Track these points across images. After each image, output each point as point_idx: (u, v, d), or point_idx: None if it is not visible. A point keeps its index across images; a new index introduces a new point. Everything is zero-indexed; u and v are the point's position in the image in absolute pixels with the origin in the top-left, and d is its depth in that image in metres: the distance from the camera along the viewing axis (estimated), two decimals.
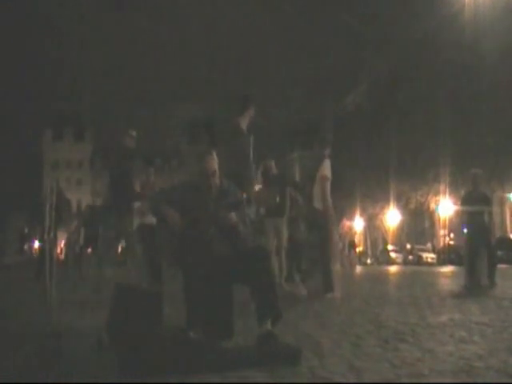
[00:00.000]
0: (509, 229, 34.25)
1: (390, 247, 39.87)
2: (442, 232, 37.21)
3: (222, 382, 2.35)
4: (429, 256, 32.18)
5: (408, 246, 38.81)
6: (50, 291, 5.22)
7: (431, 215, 38.76)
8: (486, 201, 7.78)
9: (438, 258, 31.39)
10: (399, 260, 34.82)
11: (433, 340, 3.16)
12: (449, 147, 29.45)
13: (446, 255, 29.83)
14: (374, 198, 39.65)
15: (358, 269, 21.29)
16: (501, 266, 11.00)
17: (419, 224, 41.67)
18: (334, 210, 6.25)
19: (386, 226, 43.27)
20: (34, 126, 77.78)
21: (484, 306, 4.84)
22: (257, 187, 6.95)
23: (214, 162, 3.23)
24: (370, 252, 44.21)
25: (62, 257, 19.79)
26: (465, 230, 7.86)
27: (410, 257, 33.86)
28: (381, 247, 43.91)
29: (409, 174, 33.96)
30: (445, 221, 35.80)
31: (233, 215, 3.11)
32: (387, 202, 39.12)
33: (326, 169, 6.08)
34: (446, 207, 34.09)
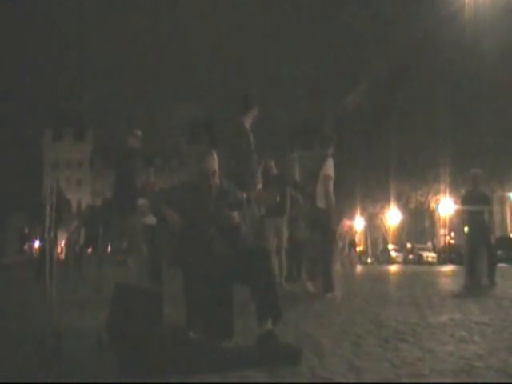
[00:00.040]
0: (509, 228, 34.24)
1: (390, 246, 39.86)
2: (442, 231, 37.21)
3: (222, 382, 2.35)
4: (429, 255, 32.17)
5: (408, 246, 38.80)
6: (50, 291, 5.22)
7: (431, 214, 38.76)
8: (486, 200, 7.78)
9: (439, 257, 31.39)
10: (399, 259, 34.82)
11: (433, 340, 3.16)
12: (449, 147, 29.45)
13: (447, 254, 29.83)
14: (374, 198, 39.67)
15: (359, 268, 21.29)
16: (501, 265, 11.00)
17: (419, 223, 41.66)
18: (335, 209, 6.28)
19: (386, 226, 43.28)
20: (34, 126, 77.83)
21: (484, 306, 4.83)
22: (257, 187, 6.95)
23: (214, 162, 3.23)
24: (370, 251, 44.23)
25: (63, 257, 19.79)
26: (465, 230, 7.86)
27: (411, 256, 33.85)
28: (381, 247, 43.92)
29: (409, 173, 33.97)
30: (445, 220, 35.80)
31: (235, 214, 3.12)
32: (387, 201, 39.14)
33: (329, 168, 6.11)
34: (446, 206, 34.08)
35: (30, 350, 3.09)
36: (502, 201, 33.41)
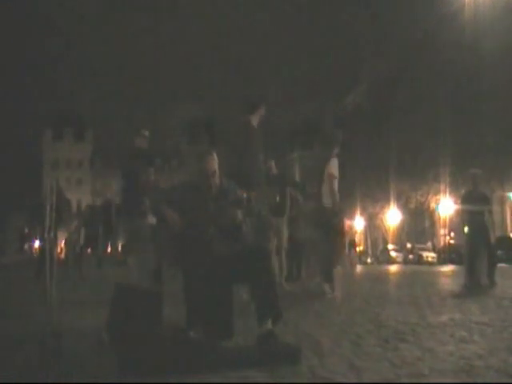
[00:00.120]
0: (509, 228, 34.23)
1: (390, 246, 39.86)
2: (442, 231, 37.21)
3: (222, 382, 2.35)
4: (429, 255, 32.15)
5: (408, 246, 38.80)
6: (50, 291, 5.21)
7: (431, 214, 38.77)
8: (486, 200, 7.78)
9: (439, 257, 31.38)
10: (399, 259, 34.79)
11: (433, 339, 3.16)
12: (449, 147, 29.47)
13: (447, 254, 29.82)
14: (374, 198, 39.69)
15: (359, 268, 21.28)
16: (501, 265, 11.00)
17: (419, 223, 41.66)
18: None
19: (386, 226, 43.28)
20: (34, 125, 77.84)
21: (484, 306, 4.83)
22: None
23: (214, 162, 3.23)
24: (370, 251, 44.22)
25: (62, 256, 19.78)
26: (465, 230, 7.86)
27: (411, 256, 33.83)
28: (381, 246, 43.91)
29: (409, 173, 34.00)
30: (445, 220, 35.80)
31: (238, 213, 3.12)
32: (387, 201, 39.16)
33: (334, 167, 6.19)
34: (446, 206, 34.09)
35: (30, 350, 3.09)
36: (502, 201, 33.41)
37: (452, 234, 35.79)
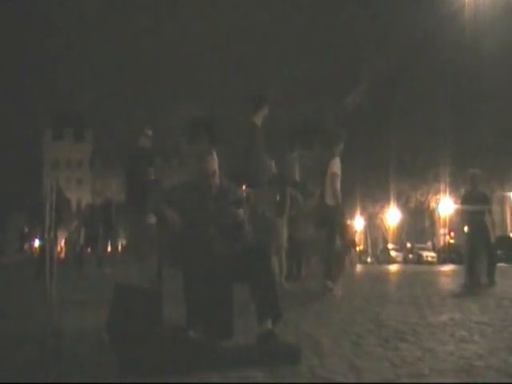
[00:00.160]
0: (509, 228, 34.24)
1: (390, 246, 39.87)
2: (442, 231, 37.22)
3: (222, 382, 2.35)
4: (429, 255, 32.15)
5: (408, 245, 38.82)
6: (50, 291, 5.22)
7: (431, 214, 38.79)
8: (486, 200, 7.78)
9: (438, 256, 31.39)
10: (399, 259, 34.80)
11: (433, 339, 3.16)
12: (449, 147, 29.48)
13: (447, 254, 29.83)
14: (374, 197, 39.70)
15: (358, 268, 21.28)
16: (500, 264, 10.99)
17: (419, 223, 41.68)
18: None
19: (386, 225, 43.29)
20: (34, 125, 77.80)
21: (484, 305, 4.83)
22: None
23: (214, 162, 3.23)
24: (370, 251, 44.23)
25: (62, 256, 19.80)
26: (465, 229, 7.86)
27: (410, 256, 33.85)
28: (381, 246, 43.92)
29: (409, 173, 34.02)
30: (445, 220, 35.81)
31: (240, 212, 3.12)
32: (387, 201, 39.17)
33: (336, 166, 6.21)
34: (446, 206, 34.10)
35: (30, 349, 3.09)
36: (502, 200, 33.42)
37: (452, 234, 35.81)
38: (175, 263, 3.20)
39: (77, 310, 4.86)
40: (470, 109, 28.44)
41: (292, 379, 2.37)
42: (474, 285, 7.05)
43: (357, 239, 37.68)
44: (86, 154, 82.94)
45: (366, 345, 3.03)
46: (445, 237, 35.90)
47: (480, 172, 8.30)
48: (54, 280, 5.36)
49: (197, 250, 3.05)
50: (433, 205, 36.81)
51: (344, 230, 6.38)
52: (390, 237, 43.12)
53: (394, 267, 21.38)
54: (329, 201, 6.19)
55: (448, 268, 17.55)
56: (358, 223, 44.66)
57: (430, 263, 28.78)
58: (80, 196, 71.59)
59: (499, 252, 14.55)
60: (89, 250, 13.10)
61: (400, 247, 39.44)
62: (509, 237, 25.93)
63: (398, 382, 2.30)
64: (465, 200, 7.87)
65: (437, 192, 34.82)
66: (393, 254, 36.73)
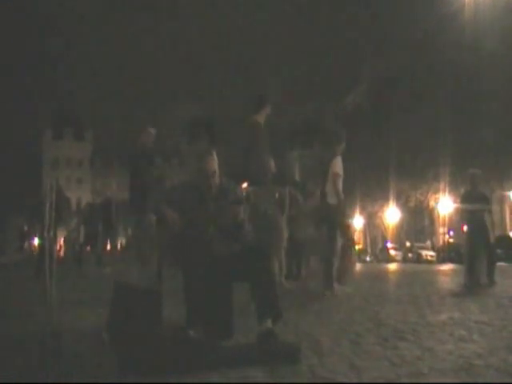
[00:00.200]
0: (508, 227, 34.25)
1: (389, 245, 39.88)
2: (441, 230, 37.25)
3: (222, 382, 2.35)
4: (428, 254, 32.17)
5: (407, 244, 38.83)
6: (49, 290, 5.21)
7: (431, 213, 38.80)
8: (486, 200, 7.78)
9: (438, 255, 31.41)
10: (399, 258, 34.84)
11: (432, 338, 3.16)
12: (449, 147, 29.47)
13: (446, 253, 29.86)
14: (374, 197, 39.69)
15: (358, 266, 21.27)
16: (500, 264, 11.00)
17: (419, 222, 41.70)
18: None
19: (385, 224, 43.29)
20: (34, 125, 77.77)
21: (483, 305, 4.84)
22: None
23: (214, 162, 3.23)
24: (369, 250, 44.25)
25: (62, 254, 19.80)
26: (465, 229, 7.87)
27: (410, 254, 33.87)
28: (380, 245, 43.94)
29: (408, 172, 34.02)
30: (444, 219, 35.84)
31: (240, 212, 3.12)
32: (387, 200, 39.16)
33: (337, 166, 6.22)
34: (445, 205, 34.11)
35: (30, 349, 3.09)
36: (502, 200, 33.43)
37: (451, 233, 35.83)
38: (175, 263, 3.21)
39: (77, 310, 4.86)
40: (470, 109, 28.43)
41: (292, 379, 2.37)
42: (473, 284, 7.05)
43: (356, 238, 37.68)
44: (85, 153, 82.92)
45: (366, 344, 3.03)
46: (444, 236, 35.92)
47: (480, 172, 8.29)
48: (54, 279, 5.36)
49: (197, 250, 3.05)
50: (432, 204, 36.82)
51: (346, 230, 6.39)
52: (389, 236, 43.13)
53: (393, 266, 21.39)
54: (331, 200, 6.20)
55: (447, 267, 17.55)
56: (357, 222, 44.66)
57: (430, 262, 28.78)
58: (80, 195, 71.57)
59: (499, 251, 14.57)
60: (88, 248, 13.10)
61: (399, 246, 39.47)
62: (508, 236, 25.94)
63: (398, 381, 2.30)
64: (464, 199, 7.88)
65: (436, 191, 34.83)
66: (392, 252, 36.76)
